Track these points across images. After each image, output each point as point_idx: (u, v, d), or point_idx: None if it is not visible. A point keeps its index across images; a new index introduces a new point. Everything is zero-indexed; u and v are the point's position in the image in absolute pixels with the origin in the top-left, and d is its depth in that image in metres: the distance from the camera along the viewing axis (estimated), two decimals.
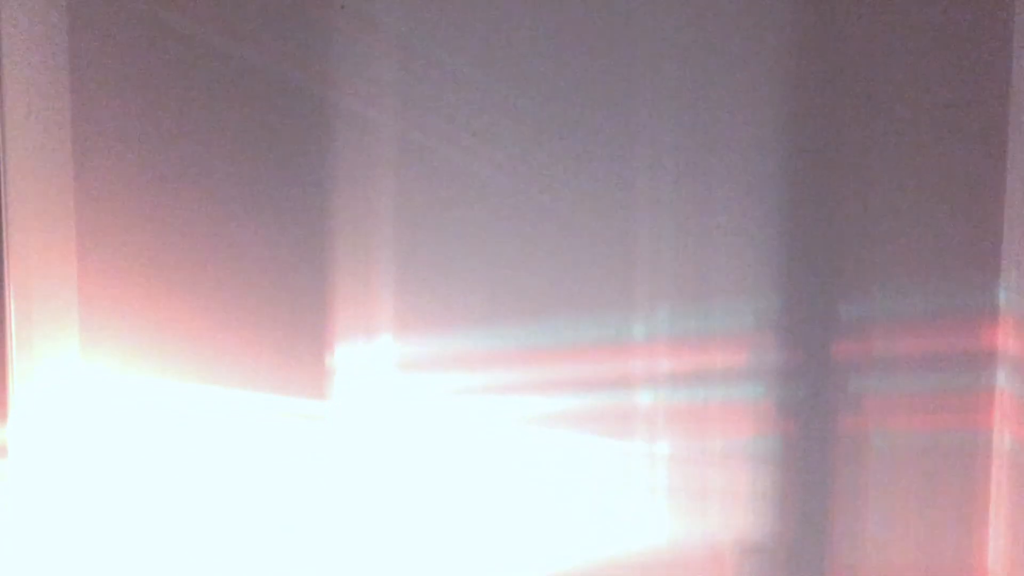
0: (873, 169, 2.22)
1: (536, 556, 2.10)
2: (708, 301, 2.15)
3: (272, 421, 1.93)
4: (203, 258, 1.88)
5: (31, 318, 1.63)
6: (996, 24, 2.27)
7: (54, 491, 1.76)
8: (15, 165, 1.56)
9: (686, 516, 2.18)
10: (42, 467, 1.70)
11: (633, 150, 2.08)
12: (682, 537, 2.18)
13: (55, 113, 1.76)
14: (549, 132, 2.04)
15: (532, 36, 2.01)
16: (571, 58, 2.03)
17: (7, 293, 1.56)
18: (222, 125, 1.87)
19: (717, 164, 2.13)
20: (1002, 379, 2.32)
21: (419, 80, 1.96)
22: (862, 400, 2.26)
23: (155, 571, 1.90)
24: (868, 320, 2.25)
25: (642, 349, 2.13)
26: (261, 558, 1.95)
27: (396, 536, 2.02)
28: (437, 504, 2.04)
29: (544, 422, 2.08)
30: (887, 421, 2.28)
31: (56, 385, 1.77)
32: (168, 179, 1.85)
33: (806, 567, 2.27)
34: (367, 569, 2.01)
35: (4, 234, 1.55)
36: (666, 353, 2.14)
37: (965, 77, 2.26)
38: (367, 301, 1.96)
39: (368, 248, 1.96)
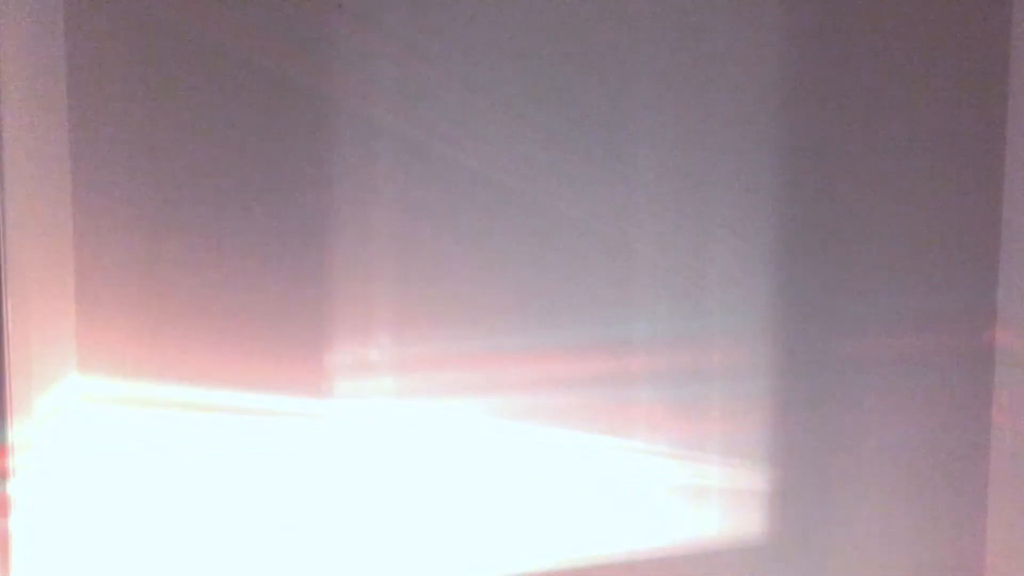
0: (870, 169, 2.22)
1: (534, 553, 2.11)
2: (705, 299, 2.15)
3: (270, 421, 1.93)
4: (201, 258, 1.87)
5: (28, 318, 1.63)
6: (994, 20, 2.27)
7: (58, 494, 1.76)
8: (11, 165, 1.56)
9: (683, 515, 2.19)
10: (44, 472, 1.70)
11: (632, 149, 2.08)
12: (680, 536, 2.19)
13: (52, 115, 1.75)
14: (548, 131, 2.03)
15: (531, 36, 2.00)
16: (570, 58, 2.03)
17: (4, 292, 1.56)
18: (219, 124, 1.86)
19: (715, 164, 2.13)
20: (1000, 377, 2.33)
21: (417, 79, 1.95)
22: (859, 398, 2.27)
23: (156, 571, 1.90)
24: (865, 319, 2.26)
25: (640, 347, 2.13)
26: (261, 557, 1.95)
27: (394, 535, 2.02)
28: (436, 502, 2.04)
29: (542, 421, 2.08)
30: (885, 419, 2.29)
31: (54, 386, 1.76)
32: (165, 178, 1.84)
33: (803, 565, 2.27)
34: (367, 567, 2.01)
35: (2, 234, 1.55)
36: (664, 351, 2.14)
37: (963, 76, 2.26)
38: (365, 300, 1.96)
39: (366, 246, 1.95)
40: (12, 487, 1.56)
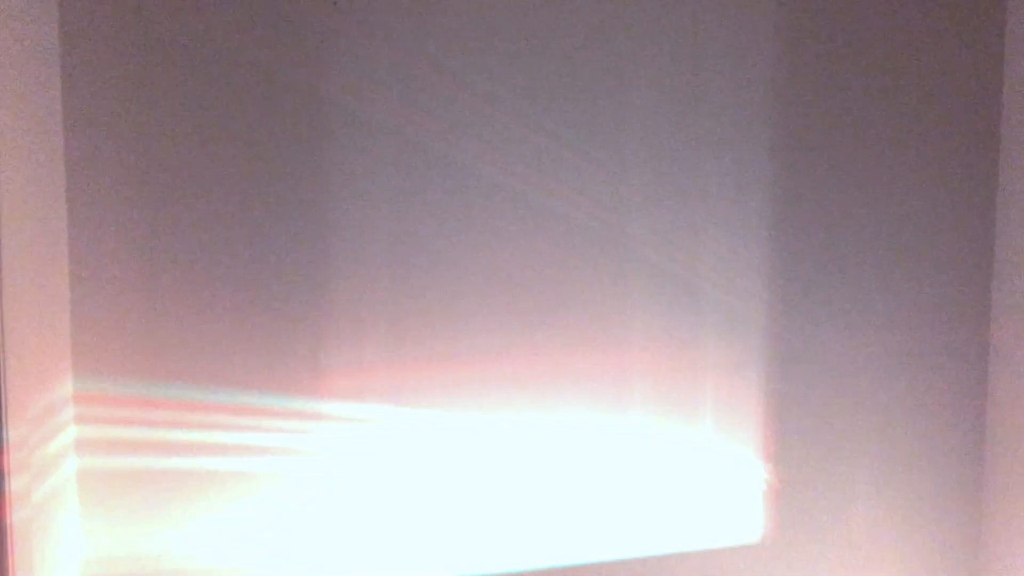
0: (864, 166, 2.23)
1: (531, 551, 2.11)
2: (699, 296, 2.15)
3: (266, 420, 1.93)
4: (196, 258, 1.87)
5: (23, 319, 1.63)
6: (988, 18, 2.28)
7: (55, 493, 1.76)
8: (6, 166, 1.55)
9: (678, 514, 2.19)
10: (40, 470, 1.70)
11: (626, 148, 2.08)
12: (677, 535, 2.19)
13: (47, 115, 1.74)
14: (543, 128, 2.03)
15: (526, 34, 2.00)
16: (564, 56, 2.03)
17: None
18: (213, 123, 1.86)
19: (709, 162, 2.13)
20: (994, 375, 2.33)
21: (412, 76, 1.95)
22: (854, 395, 2.27)
23: (153, 566, 1.90)
24: (859, 316, 2.26)
25: (636, 344, 2.13)
26: (259, 556, 1.95)
27: (392, 532, 2.02)
28: (434, 500, 2.04)
29: (538, 419, 2.08)
30: (880, 417, 2.29)
31: (49, 386, 1.76)
32: (160, 178, 1.84)
33: (797, 563, 2.28)
34: (365, 566, 2.01)
35: None
36: (658, 348, 2.14)
37: (957, 75, 2.26)
38: (362, 299, 1.96)
39: (362, 245, 1.95)
40: (9, 486, 1.56)
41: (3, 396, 1.54)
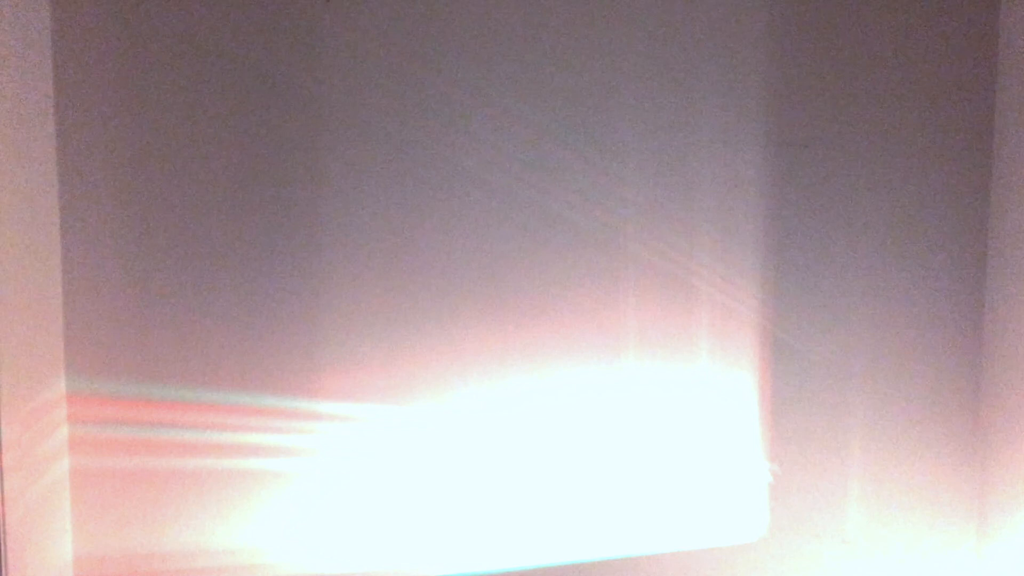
0: (858, 164, 2.23)
1: (530, 548, 2.11)
2: (694, 296, 2.16)
3: (261, 420, 1.93)
4: (189, 257, 1.87)
5: (15, 318, 1.62)
6: (981, 15, 2.28)
7: (48, 493, 1.76)
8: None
9: (674, 512, 2.19)
10: (33, 470, 1.70)
11: (620, 146, 2.08)
12: (672, 532, 2.19)
13: (39, 114, 1.74)
14: (536, 126, 2.03)
15: (518, 32, 2.01)
16: (557, 53, 2.03)
17: None
18: (206, 122, 1.86)
19: (703, 160, 2.13)
20: (988, 371, 2.34)
21: (404, 74, 1.95)
22: (848, 394, 2.28)
23: (148, 565, 1.90)
24: (853, 314, 2.26)
25: (630, 348, 2.13)
26: (255, 557, 1.95)
27: (390, 531, 2.02)
28: (431, 498, 2.04)
29: (533, 418, 2.09)
30: (876, 416, 2.30)
31: (42, 386, 1.76)
32: (152, 177, 1.84)
33: (793, 560, 2.28)
34: (362, 564, 2.01)
35: None
36: (654, 350, 2.14)
37: (951, 73, 2.27)
38: (356, 297, 1.96)
39: (357, 244, 1.95)
40: (2, 485, 1.56)
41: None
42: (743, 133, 2.15)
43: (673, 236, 2.13)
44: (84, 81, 1.79)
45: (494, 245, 2.02)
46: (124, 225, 1.84)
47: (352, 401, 1.97)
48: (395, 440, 2.01)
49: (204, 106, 1.85)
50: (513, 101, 2.01)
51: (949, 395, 2.34)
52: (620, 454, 2.14)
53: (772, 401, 2.22)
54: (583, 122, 2.06)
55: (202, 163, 1.86)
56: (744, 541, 2.24)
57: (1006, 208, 2.27)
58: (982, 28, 2.28)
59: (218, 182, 1.87)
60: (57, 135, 1.79)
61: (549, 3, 2.02)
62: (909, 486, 2.33)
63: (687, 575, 2.19)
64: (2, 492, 1.55)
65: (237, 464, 1.93)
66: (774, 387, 2.22)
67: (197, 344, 1.88)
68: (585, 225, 2.07)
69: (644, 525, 2.17)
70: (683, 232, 2.13)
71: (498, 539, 2.08)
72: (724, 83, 2.13)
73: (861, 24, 2.20)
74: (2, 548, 1.56)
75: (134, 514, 1.88)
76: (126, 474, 1.87)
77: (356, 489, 1.99)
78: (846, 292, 2.25)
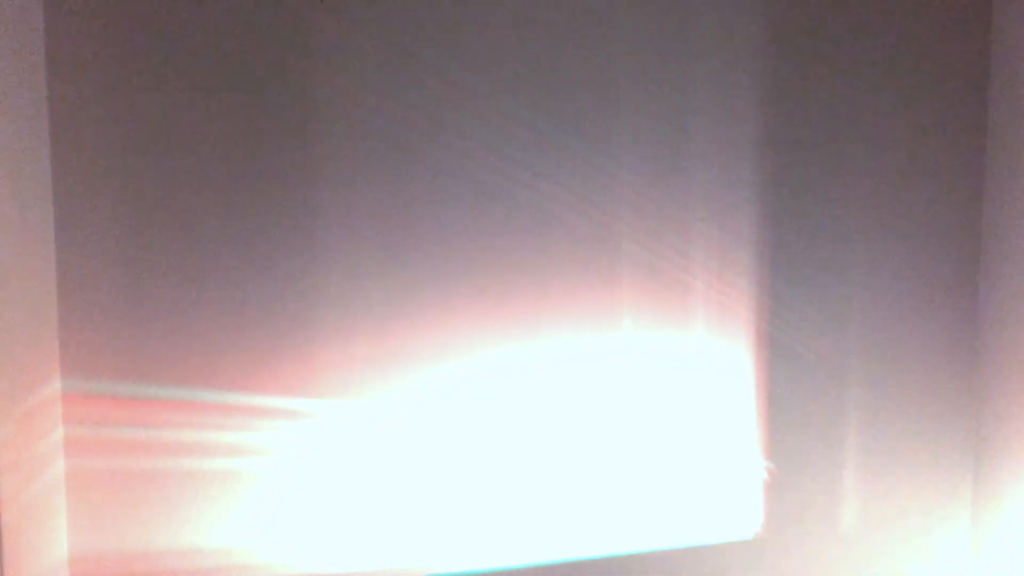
0: (852, 163, 2.23)
1: (529, 545, 2.11)
2: (689, 294, 2.16)
3: (258, 420, 1.93)
4: (184, 257, 1.87)
5: (10, 319, 1.62)
6: (975, 15, 2.28)
7: (45, 493, 1.76)
8: None
9: (669, 510, 2.20)
10: (30, 471, 1.70)
11: (614, 145, 2.08)
12: (667, 530, 2.20)
13: (32, 114, 1.74)
14: (531, 125, 2.03)
15: (513, 31, 2.01)
16: (552, 53, 2.03)
17: None
18: (200, 121, 1.86)
19: (697, 159, 2.13)
20: (984, 370, 2.34)
21: (399, 74, 1.95)
22: (844, 394, 2.28)
23: (145, 565, 1.90)
24: (848, 313, 2.26)
25: (627, 343, 2.13)
26: (249, 556, 1.95)
27: (386, 529, 2.03)
28: (430, 496, 2.05)
29: (531, 418, 2.09)
30: (871, 415, 2.30)
31: (37, 387, 1.76)
32: (147, 177, 1.84)
33: (789, 558, 2.28)
34: (355, 562, 2.01)
35: None
36: (650, 347, 2.15)
37: (945, 71, 2.27)
38: (350, 297, 1.96)
39: (351, 243, 1.95)
40: None
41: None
42: (738, 133, 2.15)
43: (669, 235, 2.13)
44: (77, 81, 1.79)
45: (489, 245, 2.03)
46: (118, 225, 1.84)
47: (347, 401, 1.97)
48: (392, 438, 2.01)
49: (198, 106, 1.85)
50: (508, 100, 2.01)
51: (944, 393, 2.34)
52: (616, 452, 2.14)
53: (767, 399, 2.23)
54: (578, 120, 2.06)
55: (196, 163, 1.86)
56: (739, 539, 2.24)
57: (1000, 207, 2.27)
58: (975, 29, 2.28)
59: (212, 183, 1.87)
60: (51, 135, 1.79)
61: (544, 5, 2.02)
62: (904, 484, 2.33)
63: (682, 573, 2.19)
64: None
65: (232, 464, 1.93)
66: (769, 385, 2.22)
67: (192, 344, 1.88)
68: (580, 224, 2.07)
69: (640, 523, 2.17)
70: (679, 231, 2.14)
71: (491, 537, 2.09)
72: (719, 83, 2.13)
73: (856, 25, 2.20)
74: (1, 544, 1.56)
75: (130, 514, 1.89)
76: (121, 474, 1.88)
77: (353, 487, 2.00)
78: (842, 291, 2.25)
